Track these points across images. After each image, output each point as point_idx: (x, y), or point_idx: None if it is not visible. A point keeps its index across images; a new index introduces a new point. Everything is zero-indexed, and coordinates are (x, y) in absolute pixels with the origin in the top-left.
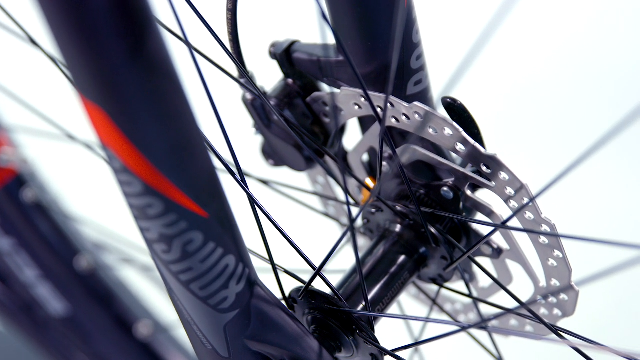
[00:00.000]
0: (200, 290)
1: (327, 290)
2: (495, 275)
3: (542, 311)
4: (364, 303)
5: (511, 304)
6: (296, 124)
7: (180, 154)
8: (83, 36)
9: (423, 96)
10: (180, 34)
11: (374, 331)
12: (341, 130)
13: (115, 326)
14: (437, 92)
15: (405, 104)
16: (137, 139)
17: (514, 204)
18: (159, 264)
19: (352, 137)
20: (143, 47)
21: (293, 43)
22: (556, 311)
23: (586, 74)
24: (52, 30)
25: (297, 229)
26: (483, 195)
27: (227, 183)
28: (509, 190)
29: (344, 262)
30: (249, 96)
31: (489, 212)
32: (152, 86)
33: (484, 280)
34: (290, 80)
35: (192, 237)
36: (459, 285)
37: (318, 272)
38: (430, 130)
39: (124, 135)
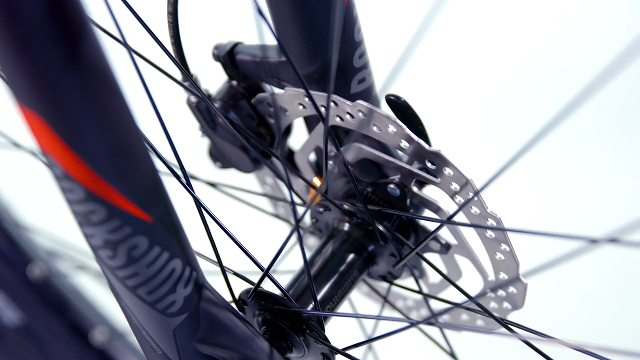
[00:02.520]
0: (147, 295)
1: (277, 291)
2: (444, 270)
3: (493, 305)
4: (313, 303)
5: (461, 298)
6: (241, 126)
7: (121, 159)
8: (17, 42)
9: (367, 94)
10: (119, 37)
11: (324, 330)
12: (287, 130)
13: (71, 334)
14: (380, 89)
15: (349, 103)
16: (76, 145)
17: (459, 199)
18: (105, 270)
19: (300, 137)
20: (79, 52)
21: (236, 45)
22: (506, 304)
23: (547, 70)
24: None
25: (247, 231)
26: (430, 192)
27: (173, 186)
28: (455, 186)
29: (295, 262)
30: (193, 99)
31: (435, 209)
32: (90, 91)
33: (433, 276)
34: (234, 82)
35: (137, 242)
36: (409, 282)
37: (266, 273)
38: (375, 128)
39: (63, 142)
